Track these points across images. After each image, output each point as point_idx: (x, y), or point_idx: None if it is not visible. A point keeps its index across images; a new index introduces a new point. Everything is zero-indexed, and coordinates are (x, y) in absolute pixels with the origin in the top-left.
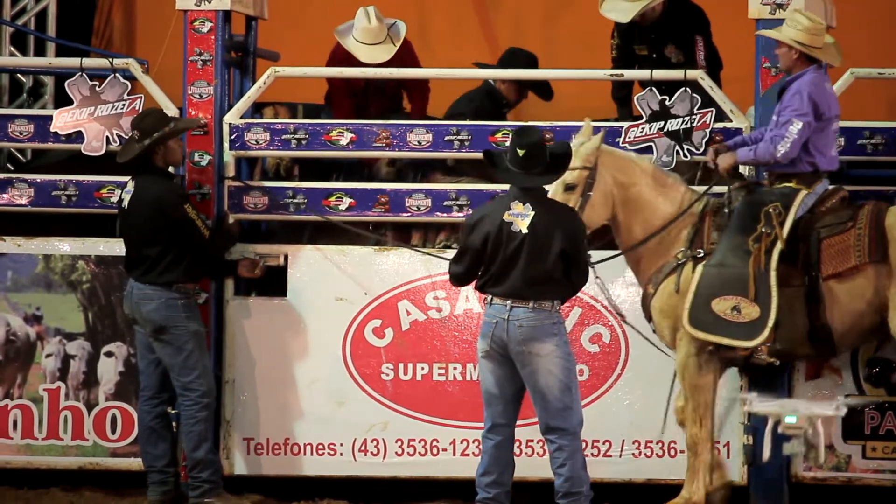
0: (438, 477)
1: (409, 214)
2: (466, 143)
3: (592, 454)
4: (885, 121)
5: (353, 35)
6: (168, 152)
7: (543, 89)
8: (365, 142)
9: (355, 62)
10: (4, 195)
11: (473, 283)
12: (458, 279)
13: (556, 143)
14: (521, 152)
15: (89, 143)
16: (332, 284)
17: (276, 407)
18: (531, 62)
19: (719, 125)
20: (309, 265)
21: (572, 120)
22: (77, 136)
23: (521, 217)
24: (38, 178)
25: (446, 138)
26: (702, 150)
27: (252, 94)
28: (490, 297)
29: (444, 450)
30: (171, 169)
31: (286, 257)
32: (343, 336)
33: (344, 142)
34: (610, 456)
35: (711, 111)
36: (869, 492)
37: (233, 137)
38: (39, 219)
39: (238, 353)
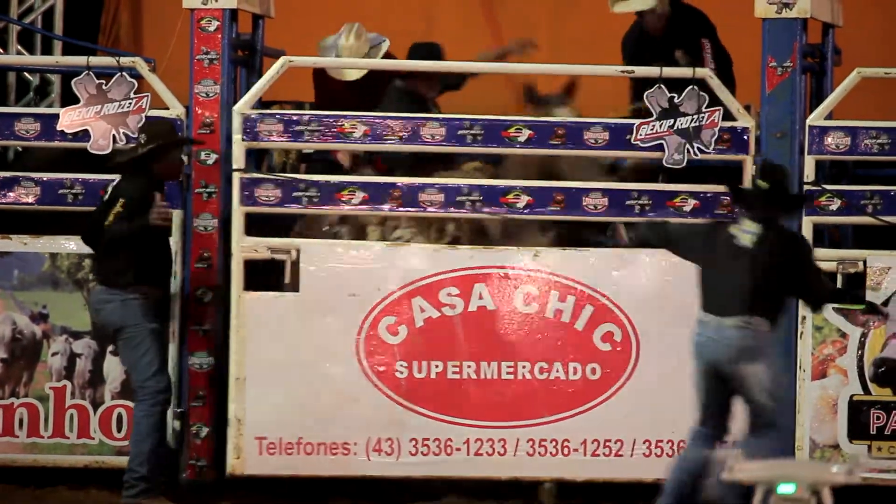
0: (452, 477)
1: (422, 209)
2: (479, 138)
3: (604, 454)
4: (892, 121)
5: (336, 51)
6: (169, 164)
7: (456, 81)
8: (378, 135)
9: (331, 79)
10: (11, 193)
11: None
12: (651, 240)
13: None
14: (763, 185)
15: (96, 142)
16: (346, 280)
17: (289, 405)
18: (433, 52)
19: (727, 124)
20: (322, 260)
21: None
22: (83, 135)
23: (747, 233)
24: (45, 176)
25: (459, 133)
26: (711, 148)
27: (263, 83)
28: (703, 312)
29: (458, 449)
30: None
31: (298, 251)
32: (357, 333)
33: (357, 134)
34: (621, 455)
35: (719, 109)
36: (874, 492)
37: (245, 129)
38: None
39: (249, 349)
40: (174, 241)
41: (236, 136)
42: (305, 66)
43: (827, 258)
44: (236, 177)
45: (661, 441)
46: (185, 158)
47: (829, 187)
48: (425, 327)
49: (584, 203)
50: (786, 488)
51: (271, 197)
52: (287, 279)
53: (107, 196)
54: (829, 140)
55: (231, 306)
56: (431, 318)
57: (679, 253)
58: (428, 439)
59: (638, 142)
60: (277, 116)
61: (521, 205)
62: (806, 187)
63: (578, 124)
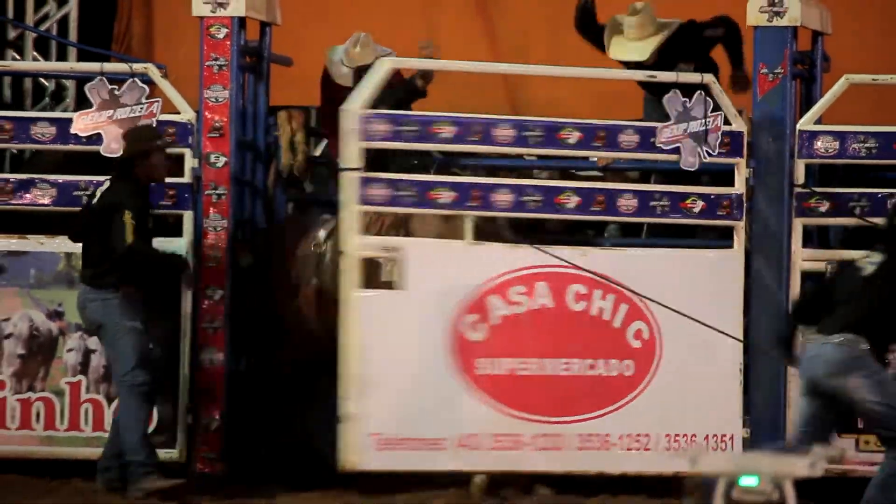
0: (520, 471)
1: (494, 210)
2: (540, 140)
3: (636, 447)
4: (878, 125)
5: (342, 58)
6: (150, 167)
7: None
8: (463, 135)
9: (335, 85)
10: (27, 195)
11: None
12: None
13: None
14: None
15: (108, 145)
16: (441, 278)
17: (396, 402)
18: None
19: (725, 129)
20: (424, 258)
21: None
22: (96, 138)
23: (872, 264)
24: (60, 178)
25: (523, 134)
26: (716, 151)
27: (374, 86)
28: (810, 332)
29: (527, 444)
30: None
31: (403, 249)
32: (448, 330)
33: (446, 135)
34: (649, 449)
35: (721, 114)
36: (862, 483)
37: (361, 129)
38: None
39: (362, 346)
40: (185, 242)
41: (351, 136)
42: (403, 67)
43: (815, 258)
44: (354, 176)
45: (679, 435)
46: (167, 161)
47: (818, 189)
48: (501, 324)
49: (618, 204)
50: (748, 480)
51: (381, 196)
52: (392, 277)
53: (96, 200)
54: (818, 144)
55: (344, 304)
56: (505, 316)
57: (815, 303)
58: (501, 435)
59: (661, 144)
60: (388, 117)
61: (571, 205)
62: (796, 189)
63: (616, 127)
